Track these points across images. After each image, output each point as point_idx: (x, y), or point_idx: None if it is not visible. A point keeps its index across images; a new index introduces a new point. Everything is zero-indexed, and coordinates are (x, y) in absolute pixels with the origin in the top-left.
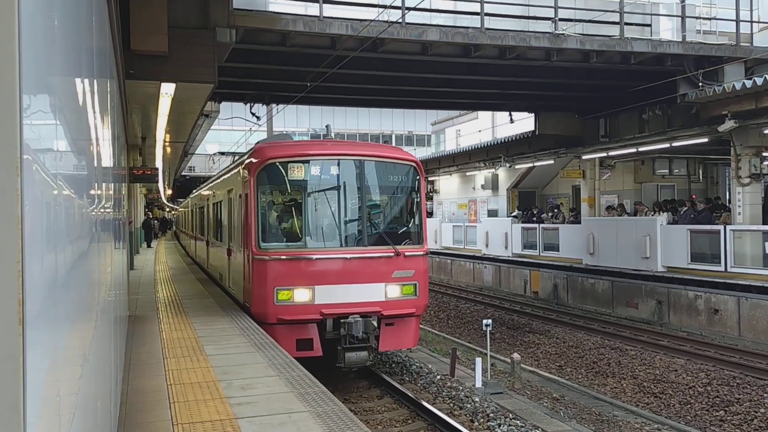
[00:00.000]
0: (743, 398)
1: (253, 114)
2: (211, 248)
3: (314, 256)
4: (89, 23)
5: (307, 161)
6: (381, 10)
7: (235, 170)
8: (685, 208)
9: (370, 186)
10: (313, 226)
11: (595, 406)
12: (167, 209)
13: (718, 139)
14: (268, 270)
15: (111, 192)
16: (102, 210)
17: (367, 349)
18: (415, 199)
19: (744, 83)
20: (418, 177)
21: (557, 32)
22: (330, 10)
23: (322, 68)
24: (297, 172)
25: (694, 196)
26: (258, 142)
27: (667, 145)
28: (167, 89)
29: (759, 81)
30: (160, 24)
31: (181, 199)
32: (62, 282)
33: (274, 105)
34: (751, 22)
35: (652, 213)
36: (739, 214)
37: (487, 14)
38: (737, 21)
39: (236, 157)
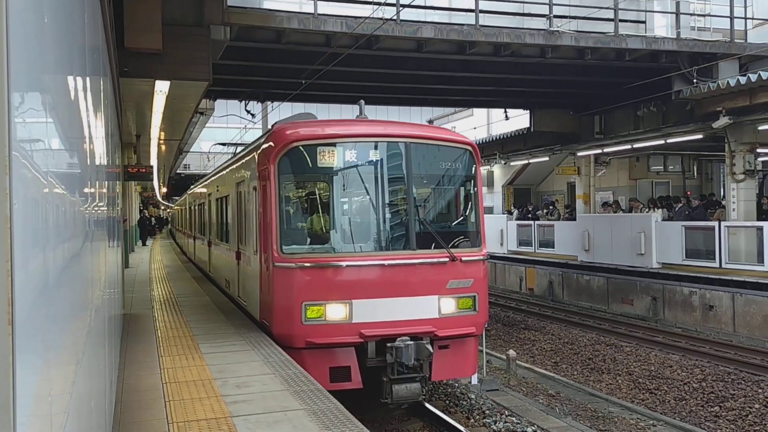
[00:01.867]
0: (738, 394)
1: (248, 111)
2: (214, 250)
3: (351, 263)
4: (81, 20)
5: (342, 144)
6: (376, 7)
7: (248, 158)
8: (680, 205)
9: (419, 175)
10: (349, 226)
11: (591, 402)
12: (162, 207)
13: (713, 135)
14: (293, 280)
15: (105, 190)
16: (95, 208)
17: (420, 380)
18: (472, 191)
19: (738, 80)
20: (474, 164)
21: (552, 29)
22: (325, 8)
23: (317, 65)
24: (328, 158)
25: (689, 193)
26: (276, 123)
27: (661, 142)
28: (162, 87)
29: (753, 77)
30: (155, 21)
31: (177, 197)
32: (54, 281)
33: (269, 102)
34: (746, 18)
35: (647, 209)
36: (734, 210)
37: (481, 11)
38: (731, 18)
39: (236, 150)
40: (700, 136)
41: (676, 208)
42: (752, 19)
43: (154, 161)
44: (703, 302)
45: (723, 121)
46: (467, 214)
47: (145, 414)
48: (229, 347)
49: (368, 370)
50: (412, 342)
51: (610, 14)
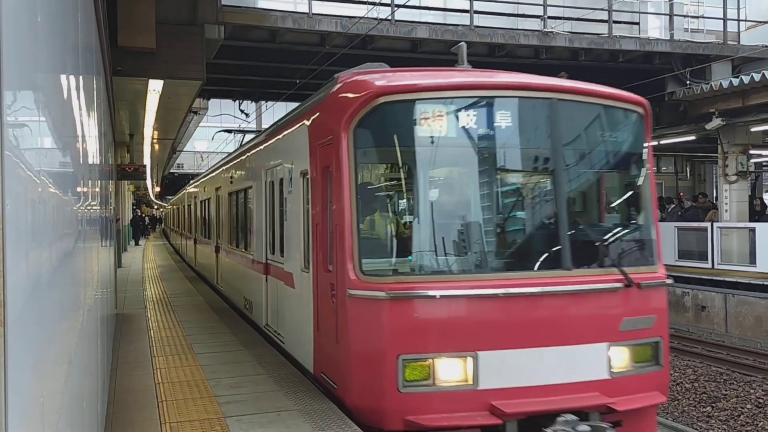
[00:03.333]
0: (730, 394)
1: (242, 111)
2: (224, 258)
3: (476, 292)
4: (75, 19)
5: (458, 100)
6: (370, 7)
7: (290, 131)
8: (673, 206)
9: (573, 152)
10: (471, 232)
11: None
12: (155, 206)
13: (706, 137)
14: (383, 319)
15: (97, 189)
16: (88, 207)
17: None
18: (642, 176)
19: (731, 81)
20: (645, 139)
21: (546, 30)
22: (319, 7)
23: (312, 65)
24: (436, 123)
25: (681, 194)
26: (340, 73)
27: (654, 143)
28: (155, 86)
29: (746, 79)
30: (149, 20)
31: (170, 197)
32: (46, 281)
33: (263, 102)
34: (738, 20)
35: None
36: (726, 211)
37: (476, 12)
38: (725, 19)
39: (242, 139)
40: (693, 138)
41: (669, 209)
42: (745, 21)
43: (147, 160)
44: (696, 303)
45: (716, 122)
46: (637, 212)
47: (138, 414)
48: (222, 347)
49: None
50: (587, 427)
51: (604, 15)
